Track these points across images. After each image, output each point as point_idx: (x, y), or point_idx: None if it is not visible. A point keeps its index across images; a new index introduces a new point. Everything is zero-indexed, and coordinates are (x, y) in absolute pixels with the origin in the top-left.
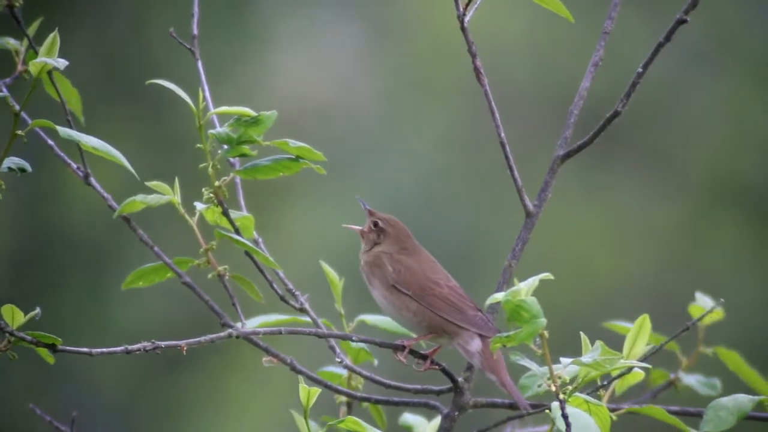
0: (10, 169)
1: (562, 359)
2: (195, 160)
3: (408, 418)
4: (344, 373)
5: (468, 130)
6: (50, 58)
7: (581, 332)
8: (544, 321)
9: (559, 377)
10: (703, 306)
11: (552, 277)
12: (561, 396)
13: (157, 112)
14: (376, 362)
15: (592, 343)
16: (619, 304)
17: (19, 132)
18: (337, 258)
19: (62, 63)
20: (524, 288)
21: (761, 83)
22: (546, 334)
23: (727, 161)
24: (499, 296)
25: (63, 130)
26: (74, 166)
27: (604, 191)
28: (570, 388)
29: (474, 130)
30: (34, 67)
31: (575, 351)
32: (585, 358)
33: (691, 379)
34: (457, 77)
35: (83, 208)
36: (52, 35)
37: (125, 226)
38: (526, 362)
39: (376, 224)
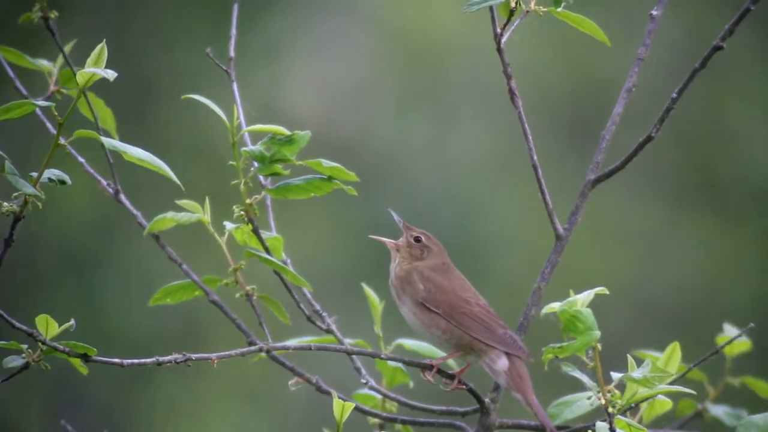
0: (50, 180)
1: (612, 374)
2: (214, 178)
3: None
4: (377, 395)
5: (482, 146)
6: (98, 68)
7: (628, 354)
8: (598, 333)
9: (609, 391)
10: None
11: (607, 292)
12: (610, 410)
13: (180, 128)
14: (411, 384)
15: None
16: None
17: (62, 142)
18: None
19: (111, 74)
20: (580, 299)
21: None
22: (599, 346)
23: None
24: (556, 306)
25: (107, 141)
26: (104, 182)
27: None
28: (619, 404)
29: (485, 146)
30: (81, 77)
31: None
32: (635, 374)
33: (718, 410)
34: (479, 93)
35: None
36: (99, 46)
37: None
38: (577, 374)
39: (418, 239)
